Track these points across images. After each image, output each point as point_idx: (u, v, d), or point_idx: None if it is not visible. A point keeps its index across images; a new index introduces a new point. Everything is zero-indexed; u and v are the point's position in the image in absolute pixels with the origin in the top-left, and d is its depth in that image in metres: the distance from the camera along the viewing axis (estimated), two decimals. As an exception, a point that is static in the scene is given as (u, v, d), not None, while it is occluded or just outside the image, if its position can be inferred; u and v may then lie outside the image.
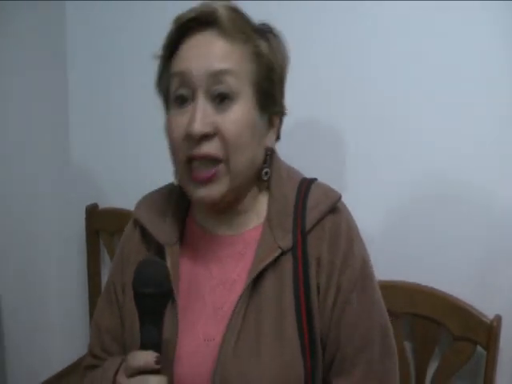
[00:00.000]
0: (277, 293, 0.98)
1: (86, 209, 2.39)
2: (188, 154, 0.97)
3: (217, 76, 0.95)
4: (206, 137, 0.95)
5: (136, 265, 0.95)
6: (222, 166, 0.96)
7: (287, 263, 0.99)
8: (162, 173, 2.16)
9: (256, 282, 0.98)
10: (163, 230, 1.08)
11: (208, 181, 0.97)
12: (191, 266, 1.08)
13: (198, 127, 0.93)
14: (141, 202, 1.16)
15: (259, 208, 1.06)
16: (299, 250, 0.98)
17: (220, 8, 0.97)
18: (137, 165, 2.30)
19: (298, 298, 0.97)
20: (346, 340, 1.00)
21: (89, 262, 2.42)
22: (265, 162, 1.04)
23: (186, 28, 1.00)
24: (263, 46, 1.01)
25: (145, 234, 1.13)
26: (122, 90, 2.26)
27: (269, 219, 1.02)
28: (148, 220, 1.11)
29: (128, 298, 1.10)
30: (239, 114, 0.95)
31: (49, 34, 2.29)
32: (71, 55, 2.36)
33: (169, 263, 1.04)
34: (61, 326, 2.56)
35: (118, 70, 2.25)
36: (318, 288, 0.99)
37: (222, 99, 0.95)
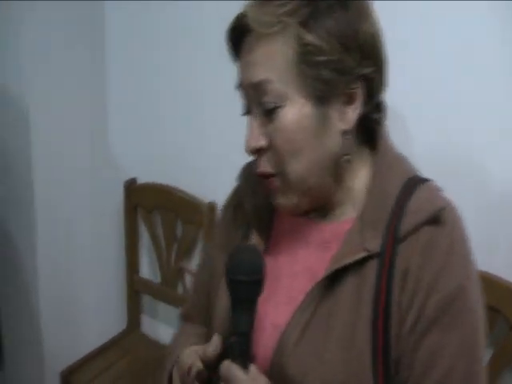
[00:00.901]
0: (354, 299, 0.88)
1: (125, 184, 2.36)
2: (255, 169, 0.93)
3: (260, 87, 0.87)
4: (261, 150, 0.90)
5: (231, 251, 0.91)
6: (279, 179, 0.90)
7: (371, 270, 0.88)
8: (201, 148, 2.19)
9: (334, 280, 0.89)
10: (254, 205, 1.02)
11: (273, 192, 0.92)
12: (276, 246, 1.01)
13: (249, 144, 0.90)
14: (243, 169, 1.10)
15: (357, 198, 0.94)
16: (387, 257, 0.87)
17: (248, 8, 0.88)
18: (176, 140, 2.26)
19: (376, 311, 0.86)
20: (420, 375, 0.87)
21: (127, 237, 2.39)
22: (345, 148, 0.91)
23: (236, 36, 0.92)
24: (310, 24, 0.86)
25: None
26: (159, 65, 2.21)
27: (362, 214, 0.91)
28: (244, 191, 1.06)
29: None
30: (286, 120, 0.87)
31: (87, 17, 2.27)
32: (109, 36, 2.33)
33: (254, 240, 0.99)
34: (97, 302, 2.56)
35: (155, 45, 2.20)
36: (400, 305, 0.87)
37: (272, 108, 0.88)
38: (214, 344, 0.91)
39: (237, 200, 1.09)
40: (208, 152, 2.15)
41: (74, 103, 2.29)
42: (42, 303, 2.38)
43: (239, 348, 0.87)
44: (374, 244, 0.88)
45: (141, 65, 2.28)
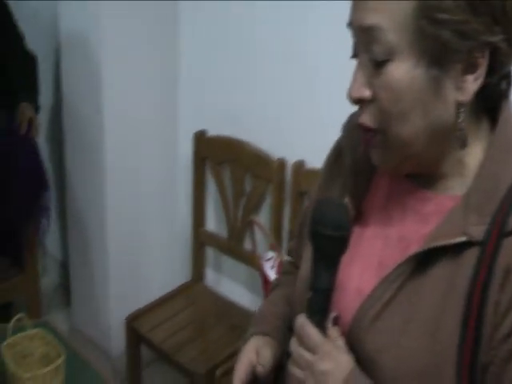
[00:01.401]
0: (445, 286, 0.80)
1: (194, 135, 2.33)
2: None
3: (370, 32, 0.78)
4: (364, 101, 0.81)
5: (317, 203, 0.86)
6: (378, 137, 0.82)
7: (469, 259, 0.79)
8: (273, 103, 2.14)
9: (427, 258, 0.81)
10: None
11: (370, 146, 0.85)
12: (370, 207, 0.95)
13: (352, 91, 0.81)
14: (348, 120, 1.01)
15: (467, 175, 0.84)
16: (489, 250, 0.78)
17: None
18: (248, 94, 2.21)
19: (469, 307, 0.78)
20: None
21: (194, 189, 2.38)
22: (460, 121, 0.80)
23: None
24: None
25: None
26: (234, 14, 2.15)
27: (468, 195, 0.81)
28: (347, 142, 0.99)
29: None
30: (394, 76, 0.77)
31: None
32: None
33: (346, 199, 0.93)
34: (163, 253, 2.58)
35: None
36: (497, 305, 0.77)
37: (381, 61, 0.78)
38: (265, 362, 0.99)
39: (338, 151, 1.01)
40: (280, 108, 2.10)
41: (146, 53, 2.27)
42: (110, 252, 2.43)
43: (316, 305, 0.84)
44: (478, 231, 0.78)
45: (214, 13, 2.23)
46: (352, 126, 0.95)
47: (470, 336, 0.77)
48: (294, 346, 0.84)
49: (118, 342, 2.44)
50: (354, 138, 0.94)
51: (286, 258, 1.29)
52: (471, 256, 0.78)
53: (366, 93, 0.80)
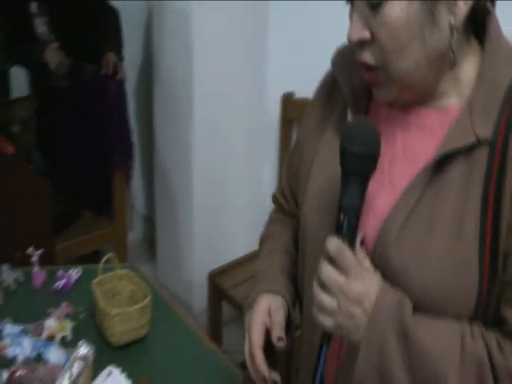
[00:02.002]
0: (462, 188, 0.83)
1: (282, 97, 2.33)
2: (354, 57, 0.89)
3: None
4: (364, 42, 0.85)
5: (349, 123, 0.88)
6: (381, 73, 0.86)
7: (481, 160, 0.83)
8: None
9: (441, 166, 0.84)
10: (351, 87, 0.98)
11: (373, 84, 0.89)
12: None
13: (352, 34, 0.85)
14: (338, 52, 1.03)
15: (462, 89, 0.89)
16: (499, 144, 0.82)
17: None
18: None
19: (485, 202, 0.82)
20: None
21: (280, 150, 2.38)
22: (454, 43, 0.84)
23: None
24: None
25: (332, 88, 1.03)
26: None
27: (471, 103, 0.86)
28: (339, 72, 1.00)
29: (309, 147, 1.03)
30: (391, 15, 0.81)
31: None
32: None
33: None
34: (247, 213, 2.60)
35: None
36: None
37: (376, 2, 0.81)
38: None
39: (331, 83, 1.03)
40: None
41: (236, 13, 2.27)
42: (195, 209, 2.47)
43: (348, 226, 0.82)
44: (486, 130, 0.83)
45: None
46: (343, 59, 0.99)
47: (488, 229, 0.81)
48: (326, 270, 0.82)
49: (200, 298, 2.50)
50: (347, 69, 0.97)
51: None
52: (483, 156, 0.83)
53: (366, 34, 0.83)
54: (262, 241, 1.18)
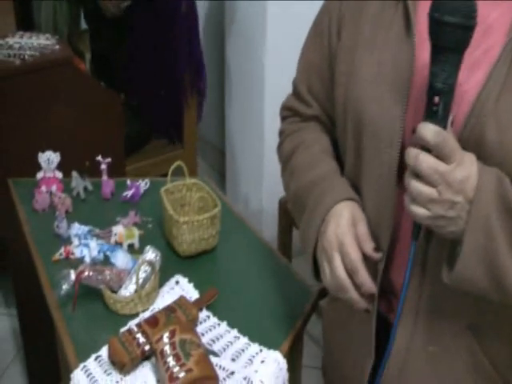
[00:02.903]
0: None
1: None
2: None
3: None
4: None
5: None
6: None
7: None
8: None
9: None
10: None
11: None
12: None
13: None
14: None
15: None
16: None
17: None
18: None
19: None
20: None
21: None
22: None
23: None
24: None
25: None
26: None
27: None
28: None
29: (344, 35, 0.92)
30: None
31: None
32: None
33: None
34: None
35: None
36: None
37: None
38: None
39: None
40: None
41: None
42: (267, 137, 2.41)
43: (443, 108, 0.74)
44: None
45: None
46: None
47: None
48: (424, 159, 0.73)
49: (269, 227, 2.45)
50: None
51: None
52: None
53: None
54: (293, 151, 1.03)
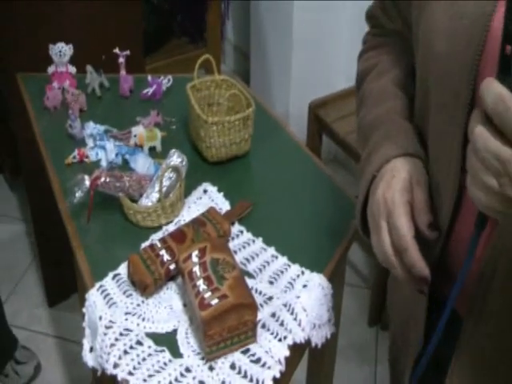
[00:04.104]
0: None
1: None
2: None
3: None
4: None
5: None
6: None
7: None
8: None
9: None
10: None
11: None
12: None
13: None
14: None
15: None
16: None
17: None
18: None
19: None
20: None
21: None
22: None
23: None
24: None
25: None
26: None
27: None
28: None
29: None
30: None
31: None
32: None
33: None
34: (353, 44, 2.33)
35: None
36: None
37: None
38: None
39: None
40: None
41: None
42: (295, 38, 2.22)
43: None
44: None
45: None
46: None
47: None
48: (483, 135, 0.52)
49: (296, 133, 2.30)
50: None
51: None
52: None
53: None
54: (366, 72, 0.87)
